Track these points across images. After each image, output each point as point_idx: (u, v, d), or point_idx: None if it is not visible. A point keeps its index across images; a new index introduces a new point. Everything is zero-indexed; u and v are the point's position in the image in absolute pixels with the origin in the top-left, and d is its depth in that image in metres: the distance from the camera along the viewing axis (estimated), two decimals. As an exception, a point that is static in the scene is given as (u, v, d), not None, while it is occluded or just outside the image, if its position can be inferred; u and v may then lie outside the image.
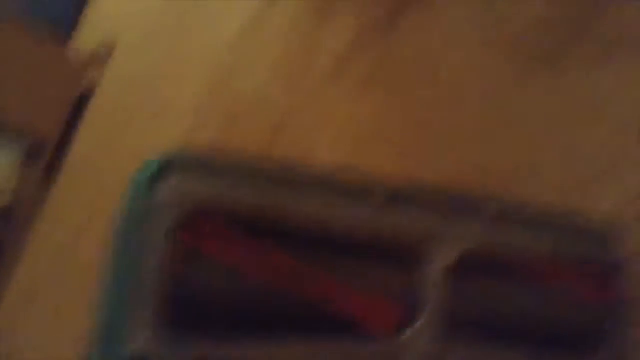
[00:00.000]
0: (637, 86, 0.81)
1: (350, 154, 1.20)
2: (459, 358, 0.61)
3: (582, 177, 0.83)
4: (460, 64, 1.05)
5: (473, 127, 1.00)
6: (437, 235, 0.59)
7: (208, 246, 0.49)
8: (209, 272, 0.51)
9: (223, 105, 1.55)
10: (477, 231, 0.62)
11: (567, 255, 0.66)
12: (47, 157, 2.00)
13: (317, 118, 1.30)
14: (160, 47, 1.98)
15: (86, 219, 1.73)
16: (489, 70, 1.00)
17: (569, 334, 0.69)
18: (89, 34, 2.41)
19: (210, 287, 0.50)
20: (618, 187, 0.79)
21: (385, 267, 0.59)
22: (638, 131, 0.79)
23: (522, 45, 0.96)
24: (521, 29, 0.96)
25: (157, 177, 0.49)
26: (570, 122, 0.87)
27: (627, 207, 0.77)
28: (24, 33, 2.03)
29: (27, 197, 1.95)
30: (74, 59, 2.24)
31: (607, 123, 0.82)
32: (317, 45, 1.38)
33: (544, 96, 0.91)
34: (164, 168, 0.50)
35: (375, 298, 0.57)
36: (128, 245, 0.48)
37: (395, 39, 1.19)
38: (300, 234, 0.54)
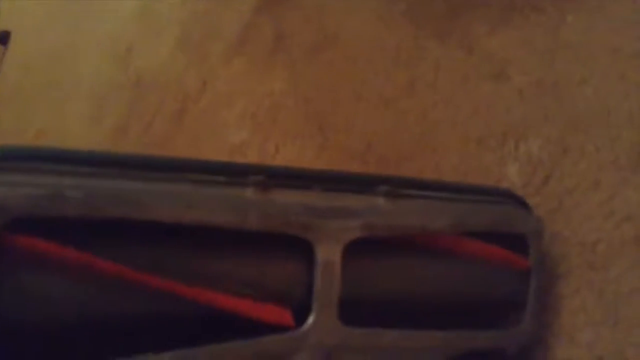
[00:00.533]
0: (537, 47, 0.78)
1: (259, 129, 1.14)
2: (360, 345, 0.56)
3: (483, 143, 0.80)
4: (358, 34, 1.00)
5: (377, 95, 0.95)
6: (327, 217, 0.54)
7: (44, 252, 0.42)
8: (47, 281, 0.44)
9: (125, 85, 1.46)
10: (372, 209, 0.58)
11: (473, 226, 0.62)
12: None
13: (223, 94, 1.24)
14: (58, 31, 1.87)
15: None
16: (386, 39, 0.96)
17: (485, 306, 0.66)
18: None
19: (50, 299, 0.43)
20: (522, 151, 0.76)
21: (273, 256, 0.54)
22: (541, 91, 0.76)
23: (417, 13, 0.92)
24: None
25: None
26: (474, 82, 0.83)
27: (533, 172, 0.74)
28: None
29: None
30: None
31: (510, 82, 0.79)
32: (217, 18, 1.31)
33: (444, 60, 0.88)
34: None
35: (263, 298, 0.51)
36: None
37: (293, 9, 1.13)
38: (164, 231, 0.48)
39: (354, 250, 0.55)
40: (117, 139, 1.44)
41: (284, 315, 0.52)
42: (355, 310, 0.56)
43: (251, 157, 1.11)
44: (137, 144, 1.40)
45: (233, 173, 0.52)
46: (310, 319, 0.53)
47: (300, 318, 0.53)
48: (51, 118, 1.75)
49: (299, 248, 0.53)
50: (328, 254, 0.53)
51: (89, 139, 1.52)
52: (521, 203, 0.68)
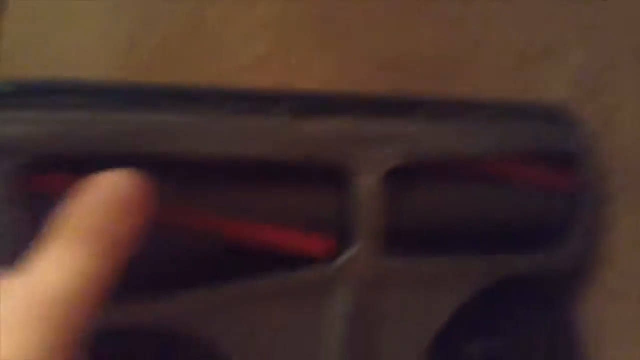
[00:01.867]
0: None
1: (269, 48, 1.08)
2: (403, 278, 0.54)
3: (525, 56, 0.74)
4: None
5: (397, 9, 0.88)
6: (364, 144, 0.50)
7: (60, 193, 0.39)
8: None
9: None
10: (411, 134, 0.54)
11: (517, 147, 0.58)
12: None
13: (231, 8, 1.16)
14: None
15: None
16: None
17: (529, 230, 0.62)
18: None
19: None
20: (568, 63, 0.70)
21: (308, 188, 0.50)
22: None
23: None
24: None
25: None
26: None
27: (579, 86, 0.68)
28: None
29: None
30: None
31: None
32: None
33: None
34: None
35: (301, 228, 0.48)
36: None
37: None
38: (192, 163, 0.44)
39: (395, 176, 0.51)
40: (130, 53, 1.39)
41: (329, 245, 0.49)
42: (395, 240, 0.53)
43: (273, 70, 1.06)
44: (150, 58, 1.34)
45: (258, 101, 0.48)
46: (352, 251, 0.50)
47: (338, 252, 0.50)
48: (61, 32, 1.69)
49: (336, 178, 0.50)
50: (367, 182, 0.50)
51: (100, 55, 1.47)
52: (571, 118, 0.63)
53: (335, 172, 0.49)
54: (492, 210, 0.59)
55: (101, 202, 0.36)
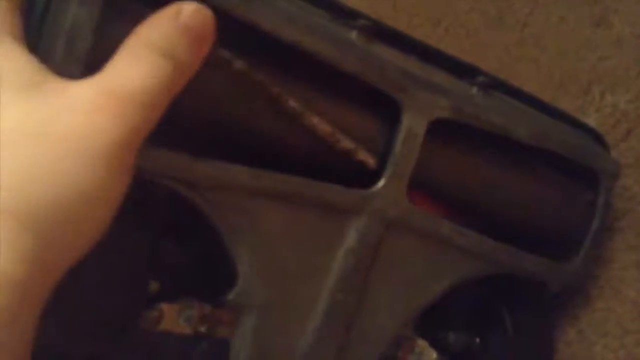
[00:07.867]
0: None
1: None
2: (417, 230, 0.54)
3: (570, 84, 0.76)
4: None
5: (459, 23, 0.91)
6: (422, 87, 0.51)
7: None
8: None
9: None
10: (466, 95, 0.55)
11: (554, 144, 0.60)
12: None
13: None
14: None
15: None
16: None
17: (544, 234, 0.63)
18: None
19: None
20: (607, 102, 0.72)
21: (360, 112, 0.52)
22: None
23: None
24: None
25: None
26: (570, 25, 0.79)
27: (614, 126, 0.70)
28: None
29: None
30: None
31: (610, 30, 0.75)
32: None
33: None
34: None
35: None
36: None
37: None
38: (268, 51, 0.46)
39: (434, 133, 0.52)
40: None
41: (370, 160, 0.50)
42: (420, 189, 0.53)
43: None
44: None
45: (338, 11, 0.50)
46: (381, 183, 0.51)
47: (369, 182, 0.51)
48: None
49: (385, 109, 0.51)
50: (414, 123, 0.51)
51: None
52: (601, 142, 0.65)
53: (388, 104, 0.50)
54: (516, 198, 0.60)
55: (173, 26, 0.38)
